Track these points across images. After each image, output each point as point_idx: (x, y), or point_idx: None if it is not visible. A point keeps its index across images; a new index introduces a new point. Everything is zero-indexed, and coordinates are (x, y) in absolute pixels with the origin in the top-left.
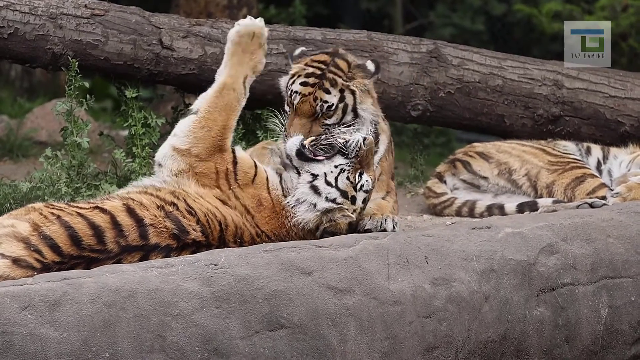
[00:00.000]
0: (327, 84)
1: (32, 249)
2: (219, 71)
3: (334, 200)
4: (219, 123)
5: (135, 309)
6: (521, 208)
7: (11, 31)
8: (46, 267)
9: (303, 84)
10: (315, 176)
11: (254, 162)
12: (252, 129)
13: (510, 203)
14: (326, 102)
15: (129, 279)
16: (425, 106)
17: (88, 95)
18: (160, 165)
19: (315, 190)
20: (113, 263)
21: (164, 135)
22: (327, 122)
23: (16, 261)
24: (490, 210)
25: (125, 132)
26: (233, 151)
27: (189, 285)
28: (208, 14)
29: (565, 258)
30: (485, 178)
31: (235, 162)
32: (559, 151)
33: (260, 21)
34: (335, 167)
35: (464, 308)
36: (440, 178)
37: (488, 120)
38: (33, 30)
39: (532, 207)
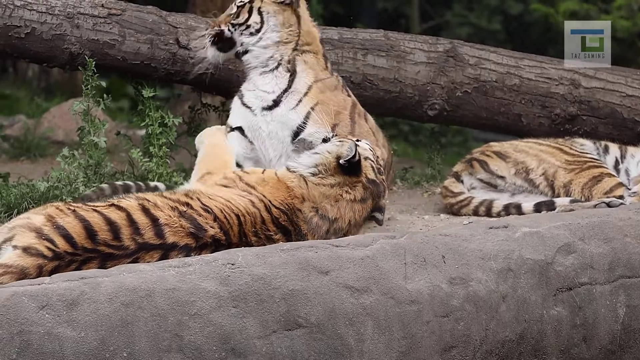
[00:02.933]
0: None
1: (43, 237)
2: None
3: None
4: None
5: (153, 309)
6: (538, 207)
7: (28, 31)
8: (58, 256)
9: None
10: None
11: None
12: None
13: (528, 202)
14: None
15: (146, 278)
16: (442, 105)
17: (105, 95)
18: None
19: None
20: (131, 261)
21: (180, 135)
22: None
23: (26, 250)
24: (507, 209)
25: (142, 132)
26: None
27: (207, 285)
28: None
29: (582, 257)
30: (502, 177)
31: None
32: (576, 150)
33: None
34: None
35: (481, 307)
36: (458, 177)
37: (505, 119)
38: (50, 30)
39: (550, 206)
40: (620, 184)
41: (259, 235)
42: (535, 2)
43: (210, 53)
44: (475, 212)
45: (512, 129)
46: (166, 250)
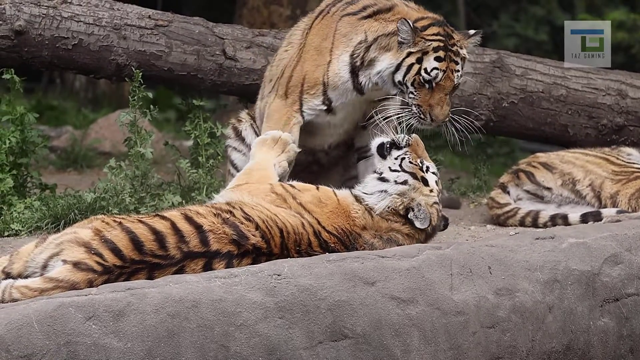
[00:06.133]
0: (454, 56)
1: (92, 252)
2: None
3: (404, 182)
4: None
5: (199, 319)
6: (585, 218)
7: (76, 42)
8: (107, 270)
9: (437, 59)
10: (380, 172)
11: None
12: None
13: (574, 213)
14: (458, 72)
15: (192, 289)
16: (488, 116)
17: (152, 106)
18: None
19: (383, 180)
20: (176, 270)
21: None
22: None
23: (76, 265)
24: (553, 220)
25: (189, 143)
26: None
27: (253, 296)
28: (271, 24)
29: (629, 268)
30: (548, 189)
31: (290, 184)
32: (622, 160)
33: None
34: (395, 158)
35: (527, 318)
36: (504, 188)
37: (551, 130)
38: (97, 41)
39: (596, 217)
40: None
41: (301, 253)
42: (582, 12)
43: None
44: (522, 223)
45: (559, 139)
46: (210, 258)
